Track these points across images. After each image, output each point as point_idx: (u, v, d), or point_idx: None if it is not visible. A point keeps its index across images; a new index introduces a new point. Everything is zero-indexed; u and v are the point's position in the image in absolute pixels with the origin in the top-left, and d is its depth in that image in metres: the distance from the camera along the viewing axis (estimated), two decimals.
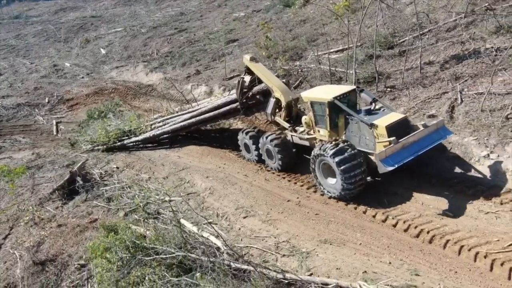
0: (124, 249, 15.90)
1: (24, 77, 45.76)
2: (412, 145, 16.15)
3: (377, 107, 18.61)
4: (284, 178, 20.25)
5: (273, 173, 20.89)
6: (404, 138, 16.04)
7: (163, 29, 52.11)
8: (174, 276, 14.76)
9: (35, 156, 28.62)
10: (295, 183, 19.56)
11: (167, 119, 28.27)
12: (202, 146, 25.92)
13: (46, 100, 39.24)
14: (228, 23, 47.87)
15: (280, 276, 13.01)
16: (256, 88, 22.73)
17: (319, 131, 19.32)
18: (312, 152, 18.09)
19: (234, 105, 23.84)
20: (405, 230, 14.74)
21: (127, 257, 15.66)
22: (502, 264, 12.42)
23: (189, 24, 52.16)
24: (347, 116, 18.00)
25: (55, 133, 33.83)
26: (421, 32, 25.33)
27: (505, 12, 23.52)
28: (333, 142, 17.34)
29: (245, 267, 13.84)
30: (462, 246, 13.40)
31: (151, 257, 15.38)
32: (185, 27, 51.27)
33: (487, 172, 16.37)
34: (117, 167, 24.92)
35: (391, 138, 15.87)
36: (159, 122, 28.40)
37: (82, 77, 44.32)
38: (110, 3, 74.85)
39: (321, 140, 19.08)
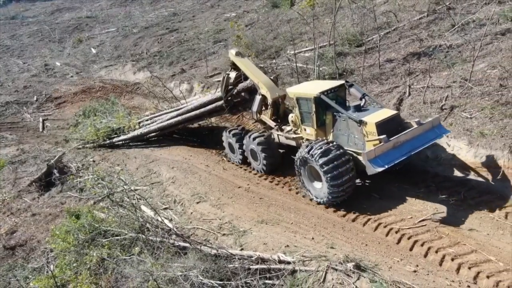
0: (82, 232, 17.66)
1: (15, 76, 47.66)
2: (405, 144, 15.26)
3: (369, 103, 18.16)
4: (241, 167, 21.97)
5: (233, 163, 22.54)
6: (395, 137, 15.15)
7: (154, 29, 53.75)
8: (126, 255, 16.52)
9: (19, 151, 30.23)
10: (250, 171, 21.29)
11: (155, 117, 28.71)
12: (179, 142, 27.40)
13: (35, 98, 40.99)
14: (218, 23, 49.34)
15: (213, 251, 14.66)
16: (241, 85, 22.20)
17: (305, 129, 18.67)
18: (297, 154, 17.33)
19: (219, 103, 23.22)
20: (335, 211, 16.42)
21: (84, 239, 17.42)
22: (409, 238, 14.10)
23: (180, 24, 53.74)
24: (334, 113, 17.27)
25: (41, 130, 35.49)
26: (385, 32, 27.05)
27: (464, 11, 25.01)
28: (319, 144, 16.44)
29: (184, 244, 15.53)
30: (379, 224, 15.12)
31: (106, 239, 17.21)
32: (177, 27, 52.81)
33: (418, 159, 17.92)
34: (94, 161, 26.65)
35: (381, 136, 15.02)
36: (146, 120, 28.83)
37: (71, 76, 46.19)
38: (106, 4, 76.77)
39: (307, 140, 18.50)
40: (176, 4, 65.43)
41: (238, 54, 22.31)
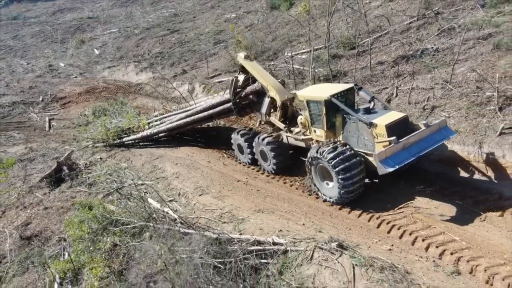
0: (95, 221, 19.81)
1: (20, 77, 50.03)
2: (413, 145, 16.16)
3: (376, 105, 19.06)
4: (240, 162, 24.20)
5: (232, 159, 24.73)
6: (405, 138, 16.06)
7: (156, 30, 55.85)
8: (136, 241, 18.71)
9: (27, 150, 32.58)
10: (248, 166, 23.55)
11: (164, 117, 29.99)
12: (187, 142, 29.46)
13: (40, 99, 43.35)
14: (219, 24, 51.30)
15: (214, 235, 16.83)
16: (249, 88, 23.08)
17: (315, 131, 19.62)
18: (308, 154, 18.34)
19: (228, 105, 24.06)
20: (324, 201, 18.58)
21: (97, 227, 19.59)
22: (388, 223, 16.35)
23: (181, 25, 55.78)
24: (344, 115, 18.17)
25: (47, 129, 37.74)
26: (377, 35, 29.20)
27: (451, 16, 27.17)
28: (331, 145, 17.50)
29: (189, 231, 17.71)
30: (363, 211, 17.37)
31: (117, 227, 19.38)
32: (178, 28, 54.87)
33: None
34: (101, 158, 28.82)
35: (391, 138, 15.90)
36: (156, 121, 30.13)
37: (75, 77, 48.46)
38: (107, 4, 79.14)
39: (317, 141, 19.58)
40: (176, 5, 67.50)
41: (246, 57, 23.38)
